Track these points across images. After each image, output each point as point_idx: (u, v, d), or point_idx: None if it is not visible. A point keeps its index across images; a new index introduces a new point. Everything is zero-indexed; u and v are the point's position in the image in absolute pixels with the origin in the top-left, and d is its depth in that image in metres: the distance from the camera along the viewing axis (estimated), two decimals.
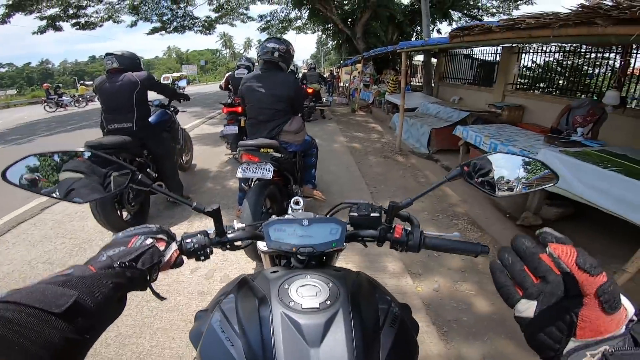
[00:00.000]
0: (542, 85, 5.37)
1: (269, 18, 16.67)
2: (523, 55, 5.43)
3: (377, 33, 12.83)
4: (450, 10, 12.55)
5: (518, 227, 2.88)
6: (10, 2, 10.37)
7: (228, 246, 0.70)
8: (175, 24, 14.78)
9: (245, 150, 2.22)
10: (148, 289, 0.55)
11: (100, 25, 13.22)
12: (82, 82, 26.11)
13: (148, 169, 3.00)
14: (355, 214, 0.70)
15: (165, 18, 14.48)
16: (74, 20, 12.44)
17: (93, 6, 12.54)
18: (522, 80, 5.71)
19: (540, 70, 5.57)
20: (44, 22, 11.91)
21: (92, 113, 12.20)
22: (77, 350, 0.37)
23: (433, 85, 8.74)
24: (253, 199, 2.07)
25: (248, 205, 2.03)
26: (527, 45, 5.18)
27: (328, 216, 0.74)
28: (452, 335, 1.75)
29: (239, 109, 4.34)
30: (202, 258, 0.66)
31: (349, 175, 4.16)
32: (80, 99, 16.41)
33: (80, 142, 2.70)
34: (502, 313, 1.87)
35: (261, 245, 0.76)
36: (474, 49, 6.93)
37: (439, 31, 14.22)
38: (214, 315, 0.55)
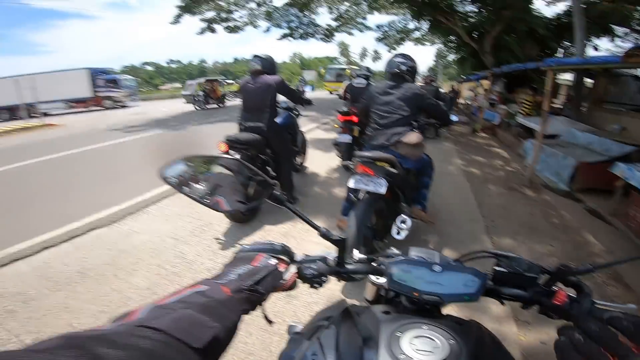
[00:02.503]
0: None
1: (386, 28, 17.08)
2: None
3: (511, 47, 11.67)
4: (612, 25, 10.55)
5: None
6: (183, 4, 13.16)
7: (345, 276, 0.68)
8: (300, 31, 16.45)
9: (361, 162, 2.30)
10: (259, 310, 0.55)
11: (243, 30, 15.75)
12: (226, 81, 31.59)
13: (268, 166, 3.36)
14: (504, 270, 0.62)
15: (292, 25, 16.25)
16: (225, 24, 15.01)
17: (239, 11, 15.01)
18: None
19: None
20: (205, 25, 14.72)
21: (231, 109, 14.67)
22: None
23: (585, 110, 7.45)
24: (361, 212, 2.13)
25: (355, 217, 2.09)
26: None
27: (463, 263, 0.68)
28: None
29: (354, 118, 4.49)
30: (316, 285, 0.65)
31: (462, 202, 3.89)
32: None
33: (221, 134, 3.19)
34: None
35: (373, 277, 0.73)
36: None
37: (595, 48, 12.04)
38: (310, 345, 0.52)
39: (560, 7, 12.03)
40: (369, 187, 2.21)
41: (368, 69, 5.48)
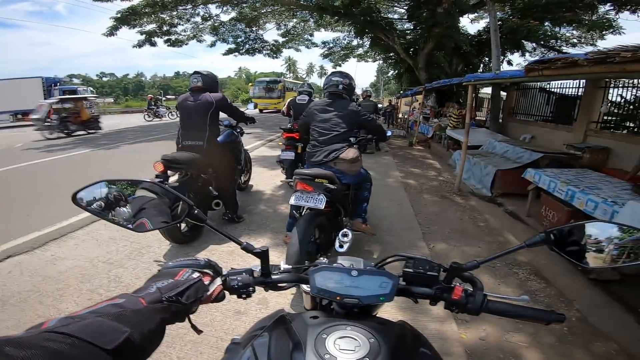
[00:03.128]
0: (631, 125, 4.87)
1: (331, 45, 17.87)
2: (611, 89, 4.99)
3: (441, 64, 12.81)
4: (523, 40, 12.14)
5: (591, 281, 2.65)
6: (119, 16, 12.42)
7: (271, 286, 0.73)
8: (247, 46, 16.39)
9: (300, 179, 2.38)
10: (186, 320, 0.58)
11: (187, 44, 15.24)
12: (166, 96, 30.51)
13: (210, 187, 3.29)
14: (410, 270, 0.70)
15: (239, 40, 16.17)
16: (166, 37, 14.43)
17: (182, 24, 14.53)
18: (609, 118, 5.20)
19: (630, 107, 5.01)
20: (143, 37, 13.98)
21: (170, 126, 13.89)
22: None
23: (501, 121, 8.38)
24: (302, 227, 2.21)
25: (297, 233, 2.17)
26: (616, 79, 4.81)
27: (378, 267, 0.74)
28: None
29: (297, 135, 4.59)
30: (244, 296, 0.69)
31: (401, 212, 4.17)
32: (173, 111, 18.18)
33: (158, 152, 3.09)
34: None
35: (305, 286, 0.77)
36: (552, 82, 6.54)
37: (509, 62, 13.79)
38: (244, 353, 0.55)
39: (482, 24, 13.61)
40: (309, 204, 2.30)
41: (310, 85, 5.63)
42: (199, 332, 0.64)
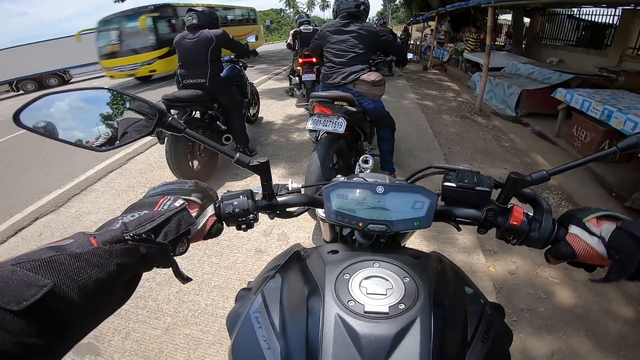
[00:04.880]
0: None
1: None
2: None
3: None
4: None
5: (625, 209, 2.44)
6: None
7: (278, 212, 0.58)
8: None
9: (317, 102, 2.22)
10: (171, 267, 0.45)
11: None
12: None
13: (218, 122, 3.19)
14: (453, 184, 0.53)
15: None
16: None
17: None
18: None
19: None
20: None
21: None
22: (39, 359, 0.30)
23: (524, 45, 7.99)
24: (321, 152, 2.09)
25: (316, 158, 2.06)
26: None
27: (410, 182, 0.59)
28: (521, 326, 1.59)
29: (314, 59, 4.65)
30: (244, 226, 0.55)
31: (419, 133, 4.04)
32: None
33: (158, 95, 2.92)
34: (588, 307, 1.67)
35: (320, 211, 0.64)
36: (582, 9, 6.30)
37: None
38: (254, 300, 0.47)
39: None
40: (328, 127, 2.17)
41: (308, 16, 5.96)
42: (184, 280, 0.48)
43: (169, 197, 0.48)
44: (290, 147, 3.74)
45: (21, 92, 14.39)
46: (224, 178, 3.10)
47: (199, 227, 0.49)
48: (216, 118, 3.20)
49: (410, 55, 2.94)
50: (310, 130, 2.38)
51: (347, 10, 2.47)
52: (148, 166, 3.55)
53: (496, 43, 9.85)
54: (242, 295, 0.54)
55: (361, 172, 2.26)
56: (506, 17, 10.25)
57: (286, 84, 6.72)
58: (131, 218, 0.42)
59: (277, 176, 2.95)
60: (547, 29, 7.64)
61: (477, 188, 0.52)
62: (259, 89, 5.89)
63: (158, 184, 0.53)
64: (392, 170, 2.73)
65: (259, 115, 4.78)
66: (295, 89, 5.87)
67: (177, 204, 0.46)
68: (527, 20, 8.42)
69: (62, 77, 14.99)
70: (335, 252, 0.51)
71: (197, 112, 3.09)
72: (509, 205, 0.52)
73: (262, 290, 0.48)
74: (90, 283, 0.34)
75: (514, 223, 0.50)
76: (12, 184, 3.74)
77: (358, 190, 0.51)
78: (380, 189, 0.50)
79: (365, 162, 2.30)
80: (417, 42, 13.61)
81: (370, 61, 2.51)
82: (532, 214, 0.51)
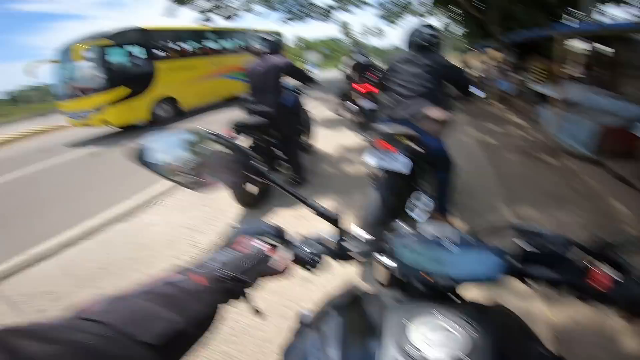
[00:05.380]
0: None
1: (386, 3, 16.81)
2: None
3: (518, 16, 11.42)
4: None
5: None
6: None
7: (343, 257, 0.63)
8: (297, 12, 16.19)
9: (381, 137, 2.16)
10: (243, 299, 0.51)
11: (240, 16, 15.38)
12: None
13: (277, 149, 3.35)
14: (531, 246, 0.53)
15: (289, 7, 16.02)
16: (220, 12, 14.82)
17: None
18: None
19: None
20: (200, 15, 14.51)
21: None
22: None
23: (602, 76, 7.34)
24: (382, 191, 2.07)
25: (375, 196, 2.05)
26: None
27: (482, 238, 0.59)
28: None
29: (373, 88, 4.82)
30: (311, 269, 0.60)
31: (478, 172, 3.84)
32: None
33: (223, 120, 3.20)
34: None
35: (381, 259, 0.66)
36: None
37: (602, 14, 11.70)
38: (313, 338, 0.49)
39: None
40: (392, 166, 2.10)
41: (361, 47, 6.36)
42: (258, 314, 0.54)
43: (254, 238, 0.55)
44: (342, 179, 3.79)
45: None
46: (275, 203, 3.22)
47: (276, 268, 0.55)
48: (275, 145, 3.35)
49: (477, 91, 2.77)
50: (371, 166, 2.32)
51: (418, 42, 2.47)
52: None
53: (568, 73, 9.21)
54: (301, 330, 0.57)
55: (415, 210, 2.22)
56: (582, 45, 9.58)
57: (342, 114, 6.93)
58: (225, 258, 0.49)
59: (327, 207, 2.98)
60: (633, 59, 6.94)
61: (559, 252, 0.52)
62: (312, 116, 6.12)
63: (241, 223, 0.61)
64: (448, 212, 2.60)
65: (312, 144, 4.91)
66: (348, 114, 6.08)
67: (260, 246, 0.54)
68: (607, 48, 7.79)
69: None
70: (396, 298, 0.54)
71: (260, 138, 3.23)
72: (590, 267, 0.50)
73: (321, 329, 0.50)
74: (201, 318, 0.39)
75: (597, 287, 0.48)
76: (94, 191, 4.28)
77: (428, 244, 0.53)
78: (452, 245, 0.52)
79: (421, 201, 2.25)
80: (479, 74, 13.24)
81: (439, 96, 2.45)
82: (616, 278, 0.49)
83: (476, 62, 13.88)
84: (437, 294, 0.55)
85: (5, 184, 5.20)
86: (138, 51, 7.88)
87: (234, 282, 0.46)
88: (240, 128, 3.03)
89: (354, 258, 0.63)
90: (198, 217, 3.20)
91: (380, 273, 0.74)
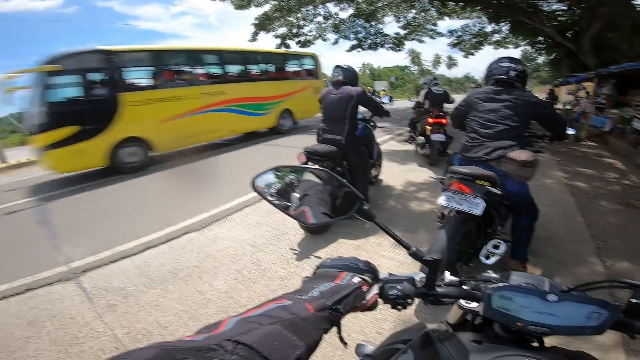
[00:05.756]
0: None
1: (460, 33, 16.48)
2: None
3: (617, 45, 10.21)
4: None
5: None
6: (257, 22, 14.47)
7: (432, 300, 0.63)
8: (369, 41, 16.63)
9: (457, 178, 2.12)
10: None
11: (314, 43, 16.46)
12: None
13: (344, 179, 3.42)
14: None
15: (360, 36, 16.56)
16: (296, 39, 16.03)
17: (308, 25, 15.80)
18: None
19: None
20: (278, 41, 15.88)
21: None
22: None
23: None
24: (450, 232, 1.99)
25: (444, 237, 1.97)
26: None
27: (584, 292, 0.58)
28: None
29: (444, 121, 4.90)
30: (400, 308, 0.60)
31: (565, 220, 3.47)
32: None
33: (297, 145, 3.39)
34: None
35: (465, 303, 0.67)
36: None
37: None
38: None
39: None
40: (463, 207, 2.03)
41: (435, 77, 6.32)
42: (345, 344, 0.57)
43: (347, 272, 0.58)
44: (408, 215, 3.70)
45: None
46: (339, 234, 3.26)
47: (364, 302, 0.58)
48: (343, 175, 3.38)
49: (572, 131, 2.50)
50: (442, 206, 2.24)
51: (495, 77, 2.32)
52: (274, 208, 4.07)
53: None
54: None
55: (487, 257, 2.10)
56: None
57: (408, 146, 6.90)
58: (325, 288, 0.52)
59: (390, 244, 2.95)
60: None
61: None
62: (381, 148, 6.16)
63: (333, 259, 0.65)
64: (525, 261, 2.40)
65: (379, 177, 4.89)
66: (418, 148, 6.09)
67: (355, 280, 0.57)
68: None
69: None
70: (478, 342, 0.53)
71: (329, 167, 3.28)
72: None
73: None
74: (312, 343, 0.41)
75: None
76: (177, 201, 4.74)
77: (527, 296, 0.52)
78: (552, 297, 0.51)
79: (496, 247, 2.13)
80: (568, 107, 12.06)
81: (523, 136, 2.28)
82: None
83: (566, 96, 12.73)
84: (518, 338, 0.55)
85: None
86: (96, 79, 6.23)
87: (332, 312, 0.49)
88: (310, 154, 3.15)
89: (441, 301, 0.64)
90: (262, 235, 3.36)
91: (453, 314, 0.75)
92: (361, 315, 2.02)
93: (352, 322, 2.05)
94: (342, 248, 3.04)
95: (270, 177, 0.71)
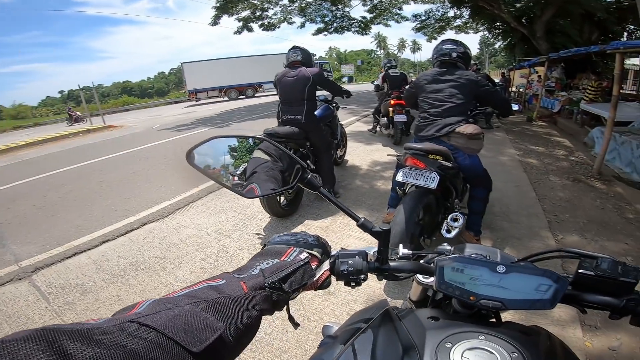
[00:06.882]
0: None
1: (424, 17, 16.90)
2: None
3: (567, 31, 10.97)
4: None
5: None
6: (218, 5, 13.90)
7: (386, 274, 0.61)
8: (335, 25, 16.59)
9: (411, 154, 2.21)
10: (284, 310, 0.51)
11: (279, 27, 16.16)
12: None
13: (308, 160, 3.40)
14: (591, 272, 0.51)
15: (327, 19, 16.47)
16: (260, 22, 15.56)
17: (272, 8, 15.47)
18: None
19: None
20: (240, 24, 15.33)
21: (272, 105, 15.13)
22: None
23: None
24: (409, 206, 2.08)
25: (402, 211, 2.05)
26: None
27: (533, 263, 0.57)
28: None
29: (404, 102, 4.93)
30: (353, 284, 0.58)
31: (519, 195, 3.70)
32: None
33: (262, 127, 3.31)
34: None
35: (421, 278, 0.66)
36: None
37: None
38: (343, 352, 0.48)
39: None
40: (419, 182, 2.14)
41: (390, 60, 6.63)
42: (296, 325, 0.55)
43: (295, 248, 0.55)
44: (374, 194, 3.79)
45: (226, 98, 18.99)
46: (306, 216, 3.29)
47: (314, 280, 0.54)
48: (307, 156, 3.39)
49: (515, 107, 2.71)
50: (397, 182, 2.39)
51: (444, 58, 2.45)
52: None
53: (622, 91, 8.67)
54: (327, 343, 0.56)
55: (448, 231, 2.21)
56: (634, 62, 8.95)
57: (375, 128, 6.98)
58: (266, 265, 0.49)
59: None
60: None
61: (621, 279, 0.49)
62: (346, 130, 6.20)
63: (283, 232, 0.61)
64: (479, 233, 2.56)
65: (345, 158, 4.95)
66: (382, 129, 6.24)
67: (302, 256, 0.53)
68: None
69: (255, 89, 20.20)
70: (435, 318, 0.52)
71: (291, 149, 3.27)
72: None
73: (352, 343, 0.49)
74: (242, 326, 0.39)
75: None
76: (133, 190, 4.55)
77: (476, 267, 0.51)
78: (501, 269, 0.50)
79: (455, 220, 2.25)
80: (521, 90, 12.76)
81: (468, 112, 2.43)
82: None
83: (520, 79, 13.45)
84: (477, 314, 0.55)
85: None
86: None
87: (277, 292, 0.46)
88: (271, 136, 3.07)
89: (398, 277, 0.62)
90: (228, 222, 3.31)
91: (414, 291, 0.75)
92: (332, 298, 2.09)
93: (323, 305, 2.07)
94: (310, 230, 2.99)
95: (207, 149, 0.65)
